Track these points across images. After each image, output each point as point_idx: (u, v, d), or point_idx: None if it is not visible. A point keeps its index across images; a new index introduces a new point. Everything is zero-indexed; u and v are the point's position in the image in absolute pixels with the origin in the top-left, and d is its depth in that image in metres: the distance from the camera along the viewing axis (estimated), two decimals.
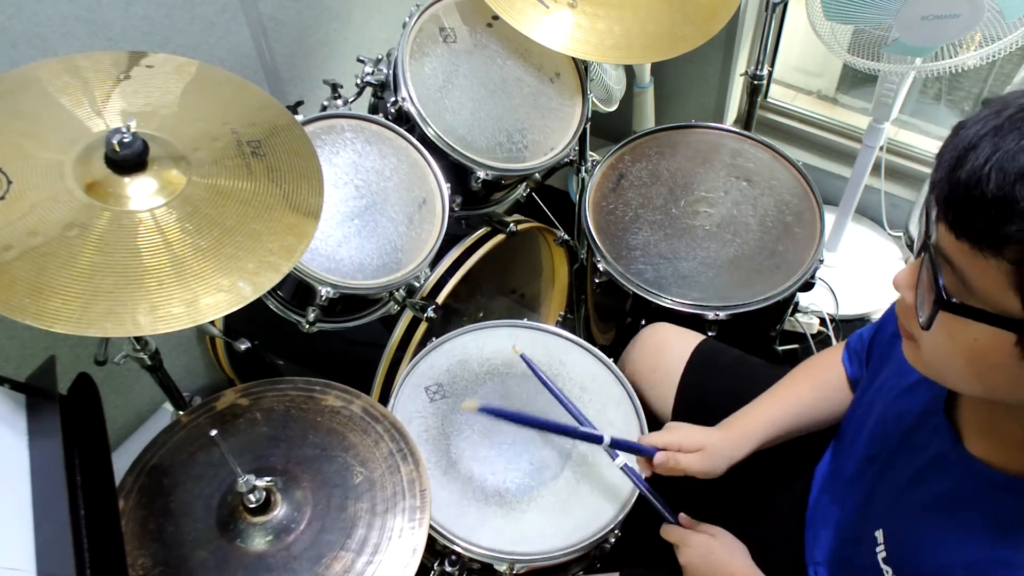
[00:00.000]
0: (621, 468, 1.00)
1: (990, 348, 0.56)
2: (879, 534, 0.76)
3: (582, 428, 1.02)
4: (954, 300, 0.56)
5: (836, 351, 1.01)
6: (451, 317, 1.69)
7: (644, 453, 0.96)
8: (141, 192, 0.81)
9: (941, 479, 0.71)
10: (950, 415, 0.72)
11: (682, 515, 0.98)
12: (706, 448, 0.95)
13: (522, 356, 1.14)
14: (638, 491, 1.05)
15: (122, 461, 0.95)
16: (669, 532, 0.96)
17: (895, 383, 0.82)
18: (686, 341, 1.19)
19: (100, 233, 0.77)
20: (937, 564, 0.68)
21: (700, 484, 0.95)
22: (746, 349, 1.20)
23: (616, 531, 1.06)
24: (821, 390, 1.00)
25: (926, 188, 1.53)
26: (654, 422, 1.16)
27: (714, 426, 0.98)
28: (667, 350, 1.19)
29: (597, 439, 0.96)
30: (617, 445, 0.97)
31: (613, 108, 1.95)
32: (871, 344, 0.95)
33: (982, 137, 0.53)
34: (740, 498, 1.07)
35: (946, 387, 0.70)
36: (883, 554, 0.75)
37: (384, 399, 1.21)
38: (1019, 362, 0.56)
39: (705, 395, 1.13)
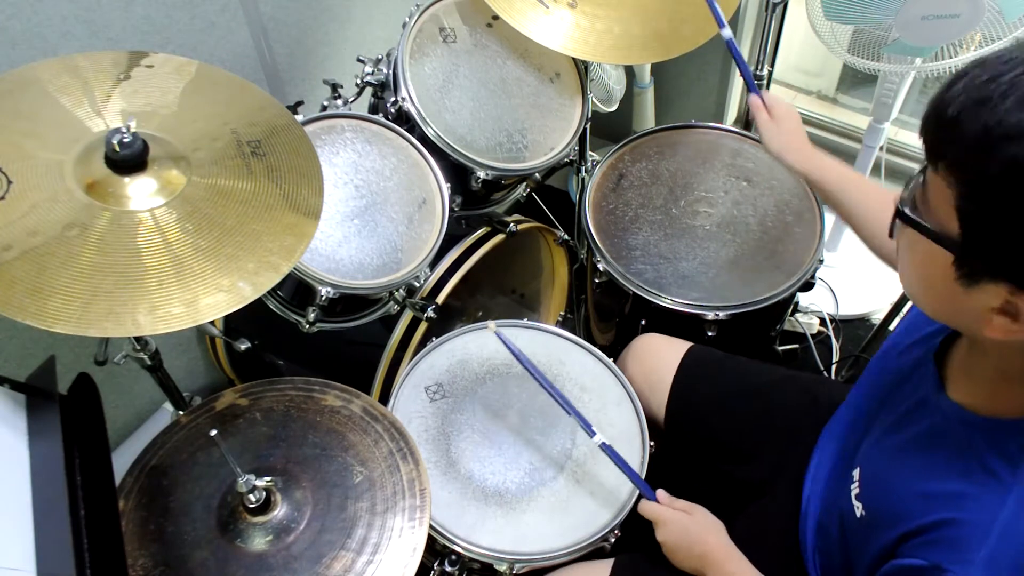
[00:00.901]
0: (599, 445, 1.00)
1: (932, 265, 0.61)
2: (856, 472, 0.80)
3: (582, 416, 1.03)
4: (905, 210, 0.61)
5: None
6: (451, 317, 1.69)
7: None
8: (141, 192, 0.81)
9: (921, 421, 0.75)
10: (939, 364, 0.76)
11: (660, 492, 0.99)
12: (783, 120, 1.06)
13: (497, 333, 1.07)
14: (637, 490, 1.06)
15: (122, 461, 0.95)
16: (646, 509, 0.98)
17: (901, 341, 0.86)
18: (676, 349, 1.21)
19: (100, 233, 0.77)
20: (896, 496, 0.72)
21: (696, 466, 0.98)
22: (746, 349, 1.20)
23: (616, 531, 1.06)
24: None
25: None
26: (649, 428, 1.16)
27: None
28: (658, 358, 1.21)
29: (589, 431, 1.00)
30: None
31: (613, 108, 1.95)
32: None
33: (971, 68, 0.57)
34: (737, 472, 1.10)
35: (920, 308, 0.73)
36: (856, 490, 0.79)
37: (384, 399, 1.21)
38: (954, 284, 0.60)
39: (695, 399, 1.16)
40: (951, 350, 0.76)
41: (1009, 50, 0.56)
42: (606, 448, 1.00)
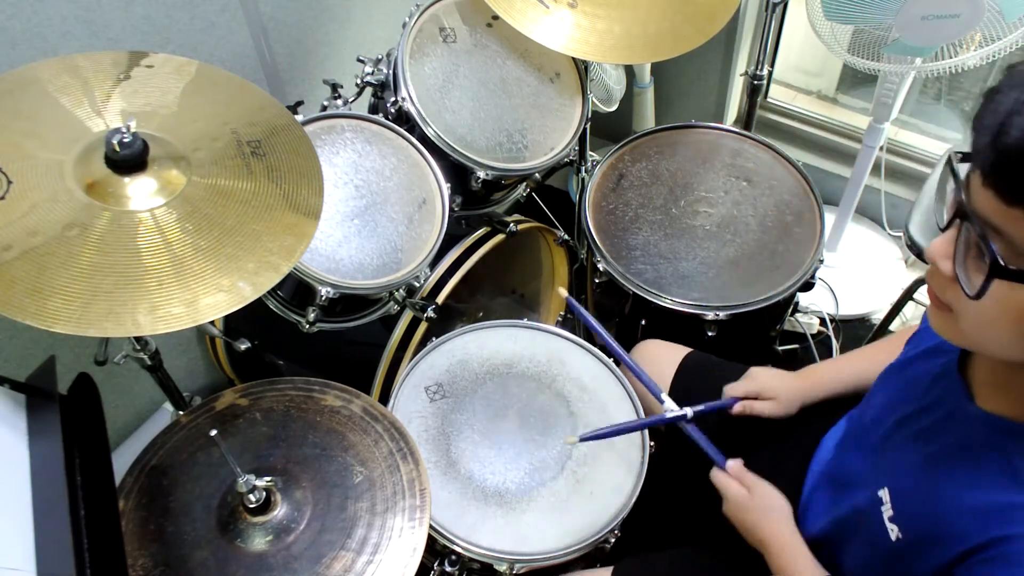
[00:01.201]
0: (671, 415, 1.04)
1: None
2: (884, 493, 0.77)
3: (667, 416, 1.06)
4: (1011, 267, 0.55)
5: None
6: (451, 317, 1.69)
7: (724, 407, 1.05)
8: (141, 192, 0.81)
9: (950, 433, 0.72)
10: (962, 373, 0.73)
11: (732, 462, 0.97)
12: (781, 396, 1.04)
13: (568, 299, 1.17)
14: (637, 490, 1.06)
15: (122, 461, 0.95)
16: (714, 477, 0.98)
17: (908, 353, 0.84)
18: (675, 354, 1.21)
19: (100, 233, 0.77)
20: (943, 513, 0.69)
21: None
22: (746, 349, 1.21)
23: (616, 531, 1.06)
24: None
25: (927, 187, 1.53)
26: (650, 429, 1.16)
27: (793, 372, 1.08)
28: (658, 363, 1.21)
29: (681, 418, 1.04)
30: (700, 416, 1.04)
31: (613, 108, 1.95)
32: None
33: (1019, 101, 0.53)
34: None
35: (983, 353, 0.70)
36: (889, 512, 0.75)
37: (384, 399, 1.21)
38: None
39: (693, 401, 1.15)
40: (973, 361, 0.73)
41: None
42: (681, 421, 1.04)
